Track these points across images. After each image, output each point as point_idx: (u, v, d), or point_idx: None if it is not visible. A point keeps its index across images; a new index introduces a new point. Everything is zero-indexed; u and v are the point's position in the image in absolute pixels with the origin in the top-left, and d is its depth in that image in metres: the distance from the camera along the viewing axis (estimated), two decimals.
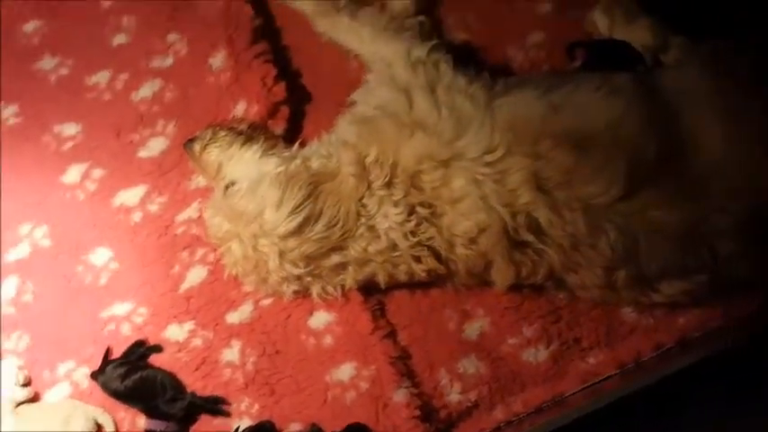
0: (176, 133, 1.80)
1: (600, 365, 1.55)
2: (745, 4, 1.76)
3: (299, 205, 1.48)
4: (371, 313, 1.61)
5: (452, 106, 1.51)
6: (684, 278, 1.47)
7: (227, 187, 1.58)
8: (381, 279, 1.57)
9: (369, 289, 1.64)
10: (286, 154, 1.60)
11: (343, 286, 1.58)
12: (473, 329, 1.63)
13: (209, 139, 1.61)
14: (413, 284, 1.63)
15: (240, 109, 1.77)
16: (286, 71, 1.84)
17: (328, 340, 1.63)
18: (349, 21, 1.76)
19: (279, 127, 1.75)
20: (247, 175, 1.56)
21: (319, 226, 1.49)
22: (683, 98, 1.48)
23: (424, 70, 1.59)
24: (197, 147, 1.62)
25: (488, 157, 1.45)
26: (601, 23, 1.76)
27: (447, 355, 1.62)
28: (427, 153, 1.49)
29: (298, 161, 1.56)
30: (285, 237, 1.49)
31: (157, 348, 1.67)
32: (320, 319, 1.64)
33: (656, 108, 1.47)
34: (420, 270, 1.54)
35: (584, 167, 1.40)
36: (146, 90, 1.86)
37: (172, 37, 1.88)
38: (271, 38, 1.86)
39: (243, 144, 1.60)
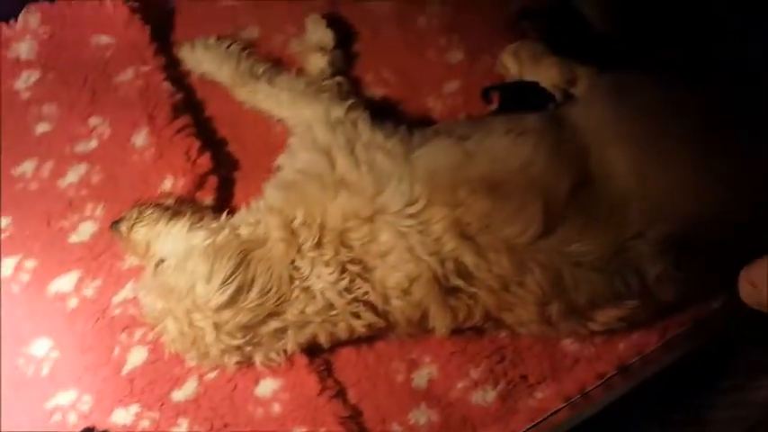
0: (105, 215, 1.78)
1: (547, 400, 1.58)
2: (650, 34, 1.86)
3: (230, 276, 1.47)
4: (318, 374, 1.61)
5: (372, 163, 1.55)
6: (616, 305, 1.51)
7: (156, 265, 1.57)
8: (323, 339, 1.57)
9: (314, 350, 1.63)
10: (214, 225, 1.60)
11: (285, 351, 1.57)
12: (421, 378, 1.64)
13: (136, 219, 1.61)
14: (358, 340, 1.63)
15: (168, 184, 1.77)
16: (211, 141, 1.86)
17: (276, 408, 1.61)
18: (268, 87, 1.79)
19: (208, 197, 1.75)
20: (176, 250, 1.56)
21: (253, 294, 1.48)
22: (590, 129, 1.55)
23: (343, 130, 1.63)
24: (123, 228, 1.61)
25: (410, 209, 1.48)
26: (510, 66, 1.84)
27: (398, 408, 1.62)
28: (352, 211, 1.51)
29: (226, 231, 1.56)
30: (219, 309, 1.48)
31: None
32: (267, 386, 1.62)
33: (566, 143, 1.52)
34: (360, 326, 1.55)
35: (502, 210, 1.44)
36: (72, 175, 1.84)
37: (94, 120, 1.87)
38: (193, 111, 1.88)
39: (169, 220, 1.59)
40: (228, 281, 1.47)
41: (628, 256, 1.45)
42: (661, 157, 1.48)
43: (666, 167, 1.47)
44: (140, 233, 1.61)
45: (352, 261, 1.51)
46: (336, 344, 1.62)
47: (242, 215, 1.63)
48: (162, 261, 1.57)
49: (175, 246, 1.57)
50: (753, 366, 1.35)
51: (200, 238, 1.56)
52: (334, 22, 1.95)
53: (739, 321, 1.45)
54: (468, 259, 1.46)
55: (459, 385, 1.62)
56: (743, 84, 1.65)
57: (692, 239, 1.45)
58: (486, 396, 1.60)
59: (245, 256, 1.50)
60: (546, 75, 1.77)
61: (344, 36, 1.96)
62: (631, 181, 1.46)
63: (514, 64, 1.82)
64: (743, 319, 1.42)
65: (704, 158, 1.46)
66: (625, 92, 1.59)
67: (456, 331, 1.60)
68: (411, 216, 1.48)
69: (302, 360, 1.60)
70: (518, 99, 1.78)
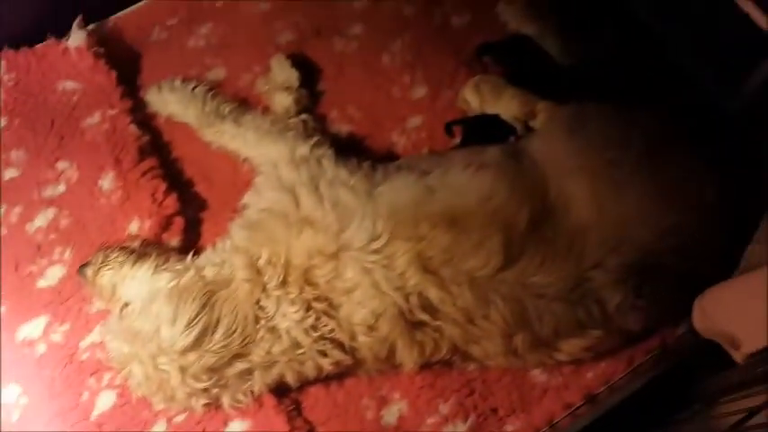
0: (74, 259, 1.78)
1: None
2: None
3: (194, 318, 1.47)
4: (286, 414, 1.59)
5: (336, 200, 1.56)
6: (581, 335, 1.52)
7: (122, 309, 1.56)
8: (290, 378, 1.56)
9: (283, 389, 1.61)
10: (179, 267, 1.59)
11: (252, 392, 1.55)
12: (391, 414, 1.64)
13: (101, 263, 1.60)
14: (327, 378, 1.62)
15: (135, 226, 1.77)
16: (179, 182, 1.87)
17: None
18: (233, 127, 1.81)
19: (174, 239, 1.76)
20: (141, 293, 1.55)
21: (218, 336, 1.48)
22: (549, 162, 1.57)
23: (308, 167, 1.65)
24: (89, 272, 1.61)
25: (374, 245, 1.49)
26: (472, 100, 1.87)
27: None
28: (316, 248, 1.52)
29: (191, 273, 1.56)
30: (184, 352, 1.47)
31: None
32: (235, 428, 1.60)
33: (525, 176, 1.55)
34: (327, 364, 1.54)
35: (463, 244, 1.45)
36: (40, 220, 1.83)
37: (61, 165, 1.88)
38: (160, 152, 1.90)
39: (134, 263, 1.59)
40: (193, 323, 1.47)
41: (588, 286, 1.47)
42: (616, 188, 1.50)
43: (621, 197, 1.49)
44: (106, 277, 1.60)
45: (317, 298, 1.51)
46: (305, 382, 1.61)
47: (208, 256, 1.63)
48: (127, 305, 1.56)
49: (140, 289, 1.56)
50: (711, 394, 1.35)
51: (164, 280, 1.55)
52: (299, 61, 1.98)
53: (700, 349, 1.46)
54: (432, 293, 1.47)
55: (430, 421, 1.61)
56: (695, 112, 1.69)
57: (652, 268, 1.47)
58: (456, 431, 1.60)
59: (209, 297, 1.50)
60: (506, 107, 1.80)
61: (310, 74, 1.99)
62: (589, 211, 1.48)
63: (476, 98, 1.85)
64: (702, 347, 1.43)
65: (657, 188, 1.48)
66: (582, 124, 1.62)
67: (425, 366, 1.60)
68: (375, 252, 1.49)
69: (270, 401, 1.59)
70: (480, 132, 1.81)
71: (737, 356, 1.23)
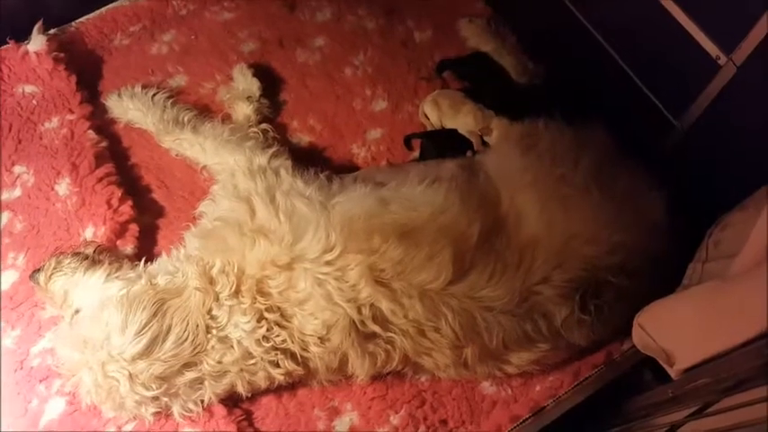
0: (27, 264, 1.77)
1: None
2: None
3: (144, 326, 1.46)
4: (237, 425, 1.59)
5: (291, 211, 1.57)
6: (529, 349, 1.54)
7: (73, 315, 1.55)
8: (241, 388, 1.56)
9: (235, 399, 1.61)
10: (131, 274, 1.59)
11: (203, 401, 1.55)
12: (343, 425, 1.64)
13: (54, 269, 1.59)
14: (279, 388, 1.63)
15: (89, 232, 1.77)
16: (136, 188, 1.87)
17: None
18: (192, 136, 1.82)
19: (129, 245, 1.75)
20: (92, 300, 1.54)
21: (168, 344, 1.47)
22: (501, 177, 1.61)
23: (265, 177, 1.66)
24: (41, 278, 1.59)
25: (327, 257, 1.50)
26: (431, 115, 1.90)
27: None
28: (270, 259, 1.52)
29: (142, 281, 1.55)
30: (133, 360, 1.46)
31: None
32: None
33: (478, 190, 1.57)
34: (279, 374, 1.55)
35: (414, 257, 1.47)
36: None
37: (18, 169, 1.87)
38: (119, 158, 1.90)
39: (87, 269, 1.58)
40: (143, 331, 1.46)
41: (536, 300, 1.49)
42: (564, 204, 1.53)
43: (569, 213, 1.52)
44: (58, 283, 1.59)
45: (269, 309, 1.51)
46: (257, 393, 1.61)
47: (161, 264, 1.63)
48: (78, 311, 1.55)
49: (92, 296, 1.55)
50: (643, 408, 1.37)
51: (116, 287, 1.54)
52: (261, 71, 2.00)
53: (644, 364, 1.50)
54: (384, 305, 1.49)
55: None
56: (645, 130, 1.73)
57: (597, 284, 1.50)
58: None
59: (160, 305, 1.49)
60: (463, 122, 1.84)
61: (272, 84, 2.01)
62: (538, 226, 1.52)
63: (434, 112, 1.88)
64: (646, 362, 1.47)
65: (605, 205, 1.52)
66: (534, 140, 1.65)
67: (377, 377, 1.62)
68: (328, 263, 1.50)
69: (221, 410, 1.59)
70: (438, 146, 1.84)
71: (672, 372, 1.27)
